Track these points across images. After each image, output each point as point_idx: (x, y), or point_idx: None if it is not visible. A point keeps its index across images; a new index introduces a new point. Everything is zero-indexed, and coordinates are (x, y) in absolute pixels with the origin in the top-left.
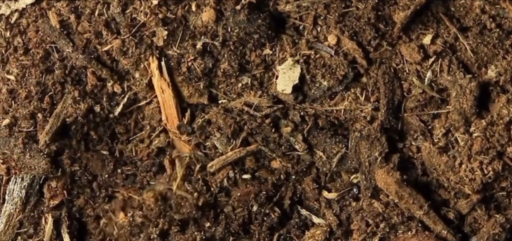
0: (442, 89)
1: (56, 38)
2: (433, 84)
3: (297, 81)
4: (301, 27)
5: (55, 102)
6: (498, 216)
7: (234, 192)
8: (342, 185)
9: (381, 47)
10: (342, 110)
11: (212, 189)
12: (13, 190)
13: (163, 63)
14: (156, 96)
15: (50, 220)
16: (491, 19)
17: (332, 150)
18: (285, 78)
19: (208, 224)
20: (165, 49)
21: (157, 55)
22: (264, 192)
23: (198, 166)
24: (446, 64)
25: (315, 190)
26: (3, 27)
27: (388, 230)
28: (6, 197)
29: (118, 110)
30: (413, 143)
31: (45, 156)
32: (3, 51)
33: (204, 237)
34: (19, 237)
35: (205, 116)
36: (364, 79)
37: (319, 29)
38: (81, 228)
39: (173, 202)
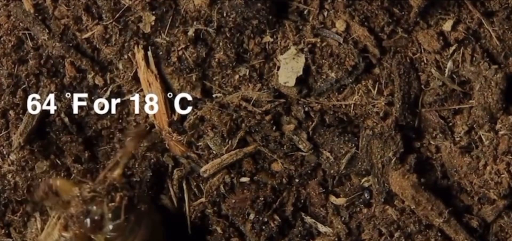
0: (464, 81)
1: (30, 24)
2: (454, 76)
3: (301, 73)
4: (305, 12)
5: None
6: None
7: (229, 200)
8: (351, 190)
9: (396, 34)
10: (352, 105)
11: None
12: None
13: (150, 53)
14: (142, 90)
15: None
16: None
17: (341, 150)
18: (288, 69)
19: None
20: (152, 37)
21: (143, 44)
22: (262, 199)
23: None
24: (469, 53)
25: (321, 195)
26: None
27: (403, 239)
28: None
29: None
30: (431, 142)
31: None
32: None
33: None
34: None
35: (197, 112)
36: (376, 70)
37: (326, 13)
38: None
39: None
